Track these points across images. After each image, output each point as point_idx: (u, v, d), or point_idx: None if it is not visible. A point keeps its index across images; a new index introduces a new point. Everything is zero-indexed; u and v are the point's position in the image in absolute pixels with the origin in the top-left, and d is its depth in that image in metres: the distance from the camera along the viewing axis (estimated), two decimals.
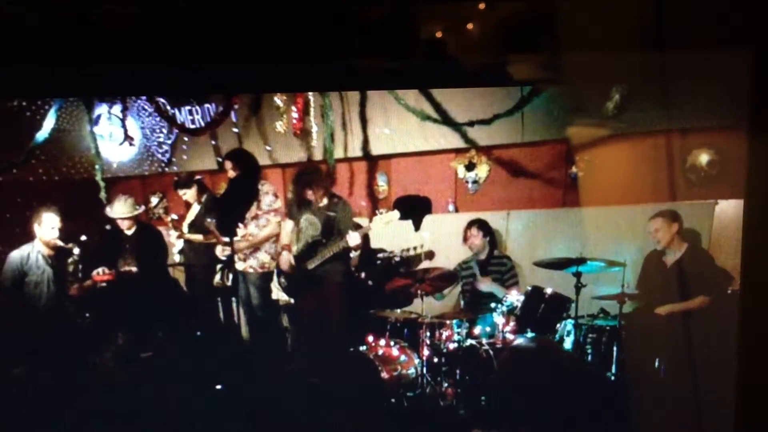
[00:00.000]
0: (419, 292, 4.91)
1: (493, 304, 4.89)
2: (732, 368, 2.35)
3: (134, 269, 5.68)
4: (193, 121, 7.31)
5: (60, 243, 5.30)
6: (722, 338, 2.67)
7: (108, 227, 5.93)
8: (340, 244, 5.06)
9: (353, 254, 5.62)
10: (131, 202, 5.79)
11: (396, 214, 4.98)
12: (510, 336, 4.63)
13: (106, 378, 5.05)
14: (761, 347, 2.32)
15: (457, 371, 4.58)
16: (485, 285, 5.18)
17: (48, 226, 5.26)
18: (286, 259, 5.25)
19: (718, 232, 4.66)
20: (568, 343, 4.60)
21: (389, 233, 5.65)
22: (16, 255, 5.31)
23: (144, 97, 7.58)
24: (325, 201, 5.25)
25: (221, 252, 5.72)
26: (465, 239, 5.45)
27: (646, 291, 4.63)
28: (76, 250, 5.35)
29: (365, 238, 5.54)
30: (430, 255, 5.75)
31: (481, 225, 5.40)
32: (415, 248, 5.40)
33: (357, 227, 5.24)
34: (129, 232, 5.81)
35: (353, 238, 5.01)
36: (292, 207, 5.37)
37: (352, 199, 6.58)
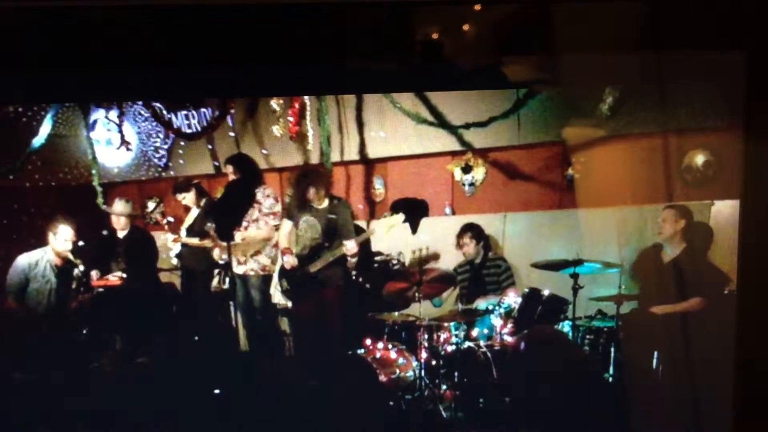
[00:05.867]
0: (417, 294, 4.91)
1: (490, 307, 4.90)
2: (730, 368, 2.36)
3: (127, 274, 5.69)
4: (189, 126, 7.32)
5: (71, 257, 5.30)
6: (720, 338, 2.68)
7: (104, 232, 5.94)
8: (339, 251, 5.05)
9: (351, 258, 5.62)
10: (131, 205, 5.88)
11: (400, 217, 4.95)
12: (508, 338, 4.64)
13: (104, 383, 5.04)
14: (759, 347, 2.33)
15: (456, 373, 4.58)
16: (482, 303, 5.16)
17: (62, 237, 5.27)
18: (288, 262, 5.22)
19: (714, 232, 4.67)
20: None
21: (392, 236, 5.66)
22: (24, 260, 5.31)
23: (140, 102, 7.59)
24: (325, 203, 5.21)
25: (219, 256, 5.73)
26: (458, 246, 5.45)
27: (639, 286, 4.65)
28: (81, 267, 5.36)
29: (364, 244, 5.55)
30: (435, 257, 5.76)
31: (474, 233, 5.39)
32: (420, 250, 5.43)
33: (358, 231, 5.23)
34: (122, 234, 5.82)
35: (351, 247, 5.01)
36: (291, 209, 5.32)
37: (348, 203, 6.58)
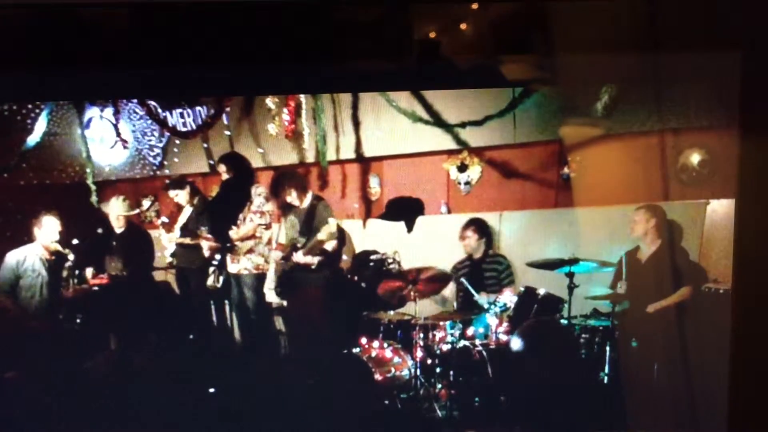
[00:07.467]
0: (413, 294, 4.90)
1: (486, 305, 4.90)
2: (725, 366, 2.36)
3: (124, 271, 5.67)
4: (184, 124, 7.29)
5: (59, 248, 5.29)
6: (715, 336, 2.68)
7: (99, 230, 5.92)
8: (292, 262, 5.23)
9: (345, 257, 5.64)
10: (128, 203, 5.83)
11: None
12: (503, 337, 4.64)
13: (98, 381, 5.02)
14: (754, 344, 2.33)
15: (451, 372, 4.58)
16: (483, 298, 5.15)
17: (48, 229, 5.26)
18: (274, 259, 5.35)
19: (709, 231, 4.68)
20: None
21: (369, 238, 5.70)
22: (12, 257, 5.29)
23: (135, 100, 7.55)
24: (306, 202, 5.30)
25: (212, 254, 5.73)
26: (461, 238, 5.46)
27: (627, 285, 4.68)
28: (71, 257, 5.34)
29: (324, 249, 5.55)
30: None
31: (478, 227, 5.41)
32: (386, 257, 5.47)
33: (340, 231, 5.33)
34: (119, 231, 5.80)
35: (298, 259, 5.21)
36: (282, 209, 5.47)
37: (344, 201, 6.58)
